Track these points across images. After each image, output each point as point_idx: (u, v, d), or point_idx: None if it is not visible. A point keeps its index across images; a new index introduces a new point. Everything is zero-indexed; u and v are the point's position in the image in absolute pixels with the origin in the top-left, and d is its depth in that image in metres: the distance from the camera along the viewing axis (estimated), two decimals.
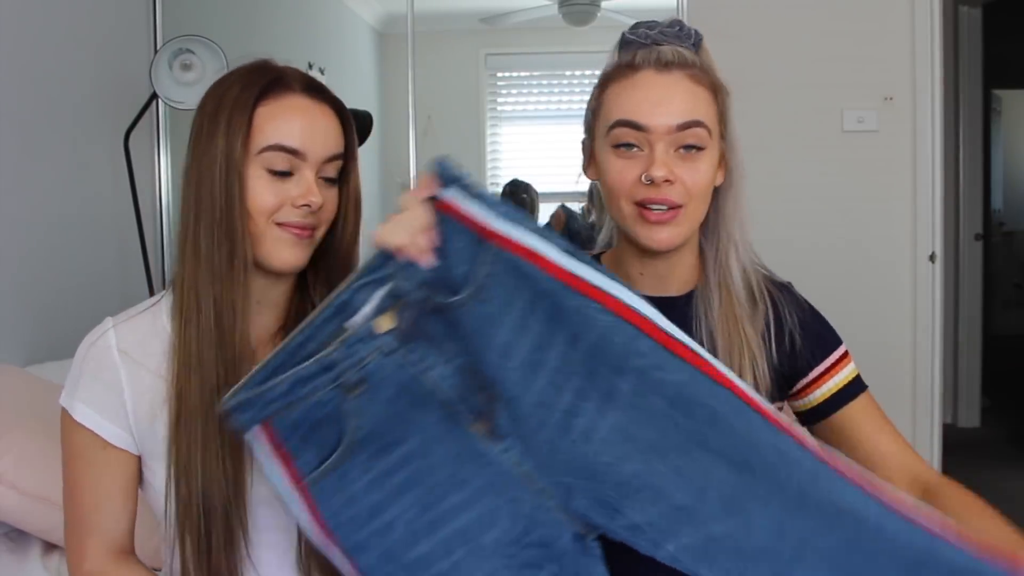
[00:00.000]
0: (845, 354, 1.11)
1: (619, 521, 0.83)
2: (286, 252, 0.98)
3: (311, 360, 0.81)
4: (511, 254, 0.80)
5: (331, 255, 1.05)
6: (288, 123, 0.96)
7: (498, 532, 0.84)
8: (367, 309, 0.82)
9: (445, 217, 0.81)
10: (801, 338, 1.08)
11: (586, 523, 0.84)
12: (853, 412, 1.09)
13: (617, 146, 1.02)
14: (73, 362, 1.00)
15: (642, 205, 1.01)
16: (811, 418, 1.12)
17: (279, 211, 0.97)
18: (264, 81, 0.97)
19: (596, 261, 0.87)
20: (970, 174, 4.30)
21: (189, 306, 0.97)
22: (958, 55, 4.20)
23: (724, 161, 1.06)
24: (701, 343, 0.97)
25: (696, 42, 1.06)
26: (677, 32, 1.05)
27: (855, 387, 1.10)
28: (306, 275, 1.05)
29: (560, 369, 0.82)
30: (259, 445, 0.83)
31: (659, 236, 1.02)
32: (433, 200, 0.81)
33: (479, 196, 0.81)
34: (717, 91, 1.04)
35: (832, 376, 1.09)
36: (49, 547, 1.50)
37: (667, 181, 0.99)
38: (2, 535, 1.51)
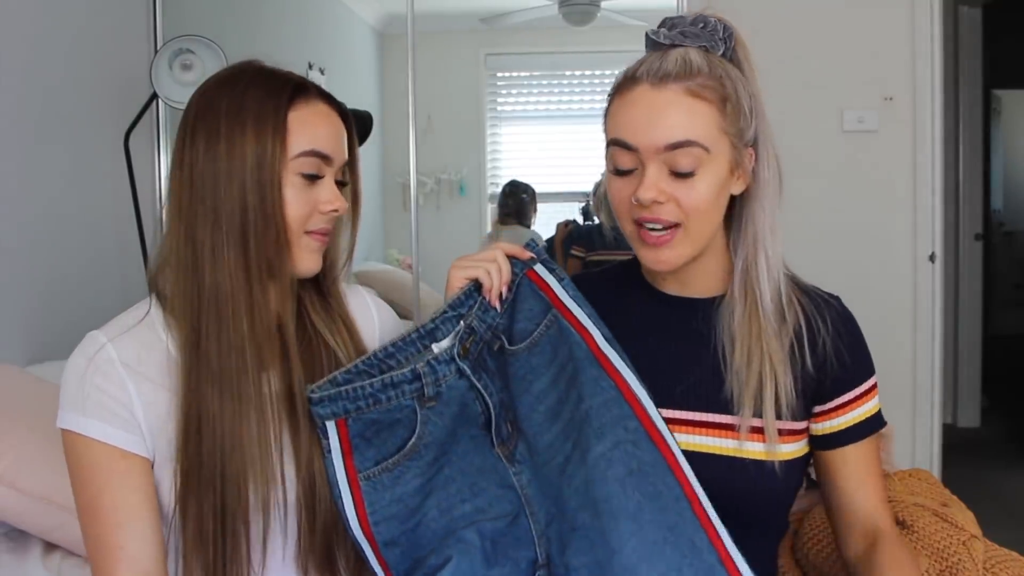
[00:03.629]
0: (872, 388, 1.06)
1: (564, 557, 0.94)
2: (310, 259, 0.99)
3: (405, 369, 0.95)
4: (567, 323, 0.99)
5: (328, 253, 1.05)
6: (319, 128, 0.97)
7: (502, 528, 0.97)
8: (449, 338, 0.98)
9: (528, 282, 1.01)
10: (836, 358, 1.03)
11: (548, 552, 0.97)
12: (847, 457, 1.05)
13: (614, 167, 1.00)
14: (68, 381, 0.96)
15: (640, 224, 0.99)
16: (814, 444, 1.07)
17: (310, 219, 0.97)
18: (290, 85, 0.97)
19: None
20: (970, 174, 4.30)
21: (210, 318, 0.93)
22: (958, 55, 4.20)
23: (743, 169, 1.01)
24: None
25: (726, 37, 0.99)
26: (700, 30, 0.98)
27: (866, 427, 1.05)
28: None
29: (569, 423, 0.97)
30: (331, 437, 0.95)
31: (659, 258, 1.00)
32: (524, 268, 1.00)
33: (555, 272, 1.01)
34: (726, 101, 0.97)
35: (851, 410, 1.04)
36: (49, 547, 1.50)
37: (657, 202, 0.97)
38: (2, 535, 1.51)
